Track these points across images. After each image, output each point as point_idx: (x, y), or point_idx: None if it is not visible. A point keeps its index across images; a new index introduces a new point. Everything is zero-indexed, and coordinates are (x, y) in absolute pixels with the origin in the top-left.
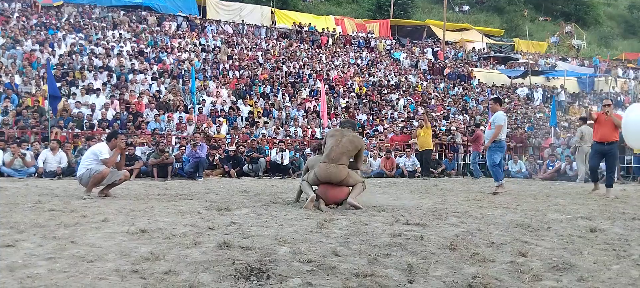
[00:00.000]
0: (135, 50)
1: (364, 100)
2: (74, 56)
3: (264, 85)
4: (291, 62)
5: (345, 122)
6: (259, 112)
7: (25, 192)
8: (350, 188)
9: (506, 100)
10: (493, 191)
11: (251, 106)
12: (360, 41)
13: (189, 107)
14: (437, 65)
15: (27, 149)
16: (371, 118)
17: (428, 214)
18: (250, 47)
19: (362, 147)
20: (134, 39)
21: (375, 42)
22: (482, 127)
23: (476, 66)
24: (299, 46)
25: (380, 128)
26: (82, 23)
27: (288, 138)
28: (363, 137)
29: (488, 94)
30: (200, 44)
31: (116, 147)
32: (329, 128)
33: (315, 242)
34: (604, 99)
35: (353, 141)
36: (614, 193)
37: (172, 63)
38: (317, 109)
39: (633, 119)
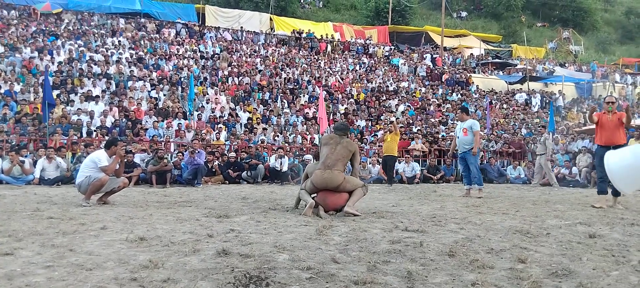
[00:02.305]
0: (134, 57)
1: (363, 106)
2: (73, 63)
3: (263, 92)
4: (290, 69)
5: (338, 127)
6: (258, 118)
7: (23, 200)
8: (349, 194)
9: (505, 105)
10: (478, 196)
11: (250, 112)
12: (359, 47)
13: (188, 114)
14: (436, 71)
15: (26, 157)
16: (370, 124)
17: (427, 220)
18: (249, 53)
19: (356, 150)
20: (133, 46)
21: (374, 48)
22: (482, 133)
23: (474, 72)
24: (298, 53)
25: (379, 134)
26: (81, 30)
27: (287, 144)
28: (361, 143)
29: (486, 100)
30: (199, 50)
31: (115, 154)
32: (321, 134)
33: (314, 249)
34: (607, 96)
35: (347, 146)
36: (619, 204)
37: (171, 70)
38: (317, 115)
39: (621, 164)
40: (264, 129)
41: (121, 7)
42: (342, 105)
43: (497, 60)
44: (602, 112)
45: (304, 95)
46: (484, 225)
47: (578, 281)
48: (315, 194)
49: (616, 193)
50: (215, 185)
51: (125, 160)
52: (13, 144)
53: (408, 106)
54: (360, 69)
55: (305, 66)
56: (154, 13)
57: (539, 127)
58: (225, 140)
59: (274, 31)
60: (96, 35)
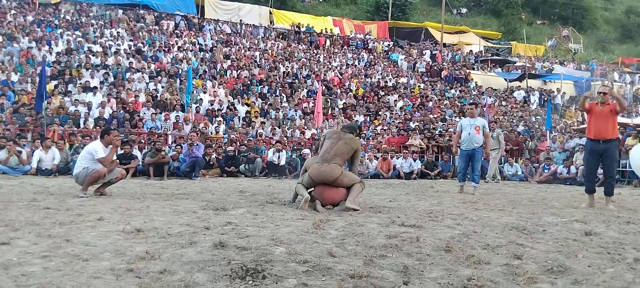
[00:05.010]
0: (133, 48)
1: (361, 102)
2: (71, 54)
3: (261, 86)
4: (289, 63)
5: (347, 126)
6: (256, 112)
7: (20, 190)
8: (347, 189)
9: (503, 103)
10: (475, 193)
11: (248, 106)
12: (358, 42)
13: (185, 106)
14: (435, 68)
15: (24, 146)
16: (368, 119)
17: (424, 216)
18: (248, 47)
19: (358, 149)
20: (131, 37)
21: (373, 43)
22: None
23: (473, 69)
24: (297, 47)
25: (378, 129)
26: (79, 21)
27: (285, 138)
28: (360, 138)
29: (485, 98)
30: (198, 43)
31: (110, 143)
32: (321, 130)
33: (311, 242)
34: (600, 85)
35: (348, 143)
36: (613, 204)
37: (170, 62)
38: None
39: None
40: (262, 122)
41: None
42: (341, 100)
43: (496, 57)
44: (595, 102)
45: (302, 90)
46: (481, 221)
47: (573, 278)
48: (313, 188)
49: (608, 193)
50: (212, 178)
51: (123, 152)
52: (7, 134)
53: (407, 102)
54: (359, 64)
55: (304, 60)
56: (153, 4)
57: (491, 122)
58: (224, 134)
59: (274, 24)
60: (95, 26)
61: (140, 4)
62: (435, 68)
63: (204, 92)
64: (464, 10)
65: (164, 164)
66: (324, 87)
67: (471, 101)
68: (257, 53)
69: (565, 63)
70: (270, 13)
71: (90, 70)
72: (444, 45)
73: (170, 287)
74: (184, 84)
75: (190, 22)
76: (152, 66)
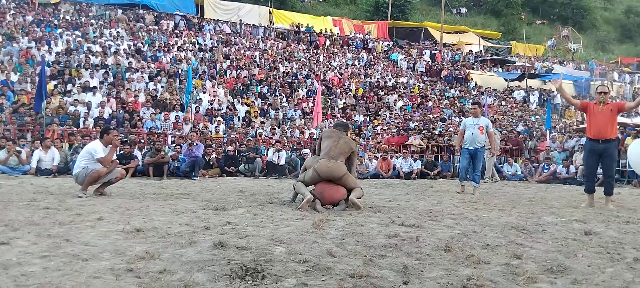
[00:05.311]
0: (132, 48)
1: (361, 101)
2: (71, 54)
3: (261, 85)
4: (288, 63)
5: (339, 124)
6: (256, 111)
7: (20, 190)
8: (348, 191)
9: (503, 102)
10: (475, 193)
11: (248, 106)
12: (358, 42)
13: (184, 106)
14: (434, 67)
15: (24, 146)
16: (368, 119)
17: (423, 216)
18: (247, 47)
19: (355, 151)
20: (131, 37)
21: (373, 43)
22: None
23: (473, 68)
24: (297, 47)
25: (378, 129)
26: (79, 21)
27: (285, 138)
28: (360, 138)
29: (485, 98)
30: (197, 43)
31: (110, 143)
32: (320, 129)
33: (311, 242)
34: (599, 85)
35: (348, 143)
36: (613, 203)
37: (169, 62)
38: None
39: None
40: (262, 122)
41: None
42: (341, 100)
43: (496, 57)
44: (594, 102)
45: (302, 89)
46: (480, 221)
47: (573, 277)
48: (313, 187)
49: (608, 193)
50: (212, 178)
51: (123, 151)
52: (7, 134)
53: (406, 102)
54: (359, 64)
55: (304, 60)
56: (152, 4)
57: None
58: (223, 133)
59: (273, 24)
60: (94, 26)
61: (139, 4)
62: (435, 68)
63: (204, 92)
64: (463, 10)
65: (163, 164)
66: (323, 87)
67: (474, 101)
68: (257, 53)
69: (564, 63)
70: (270, 13)
71: (89, 70)
72: (444, 45)
73: (169, 287)
74: (183, 84)
75: (189, 22)
76: (152, 66)
